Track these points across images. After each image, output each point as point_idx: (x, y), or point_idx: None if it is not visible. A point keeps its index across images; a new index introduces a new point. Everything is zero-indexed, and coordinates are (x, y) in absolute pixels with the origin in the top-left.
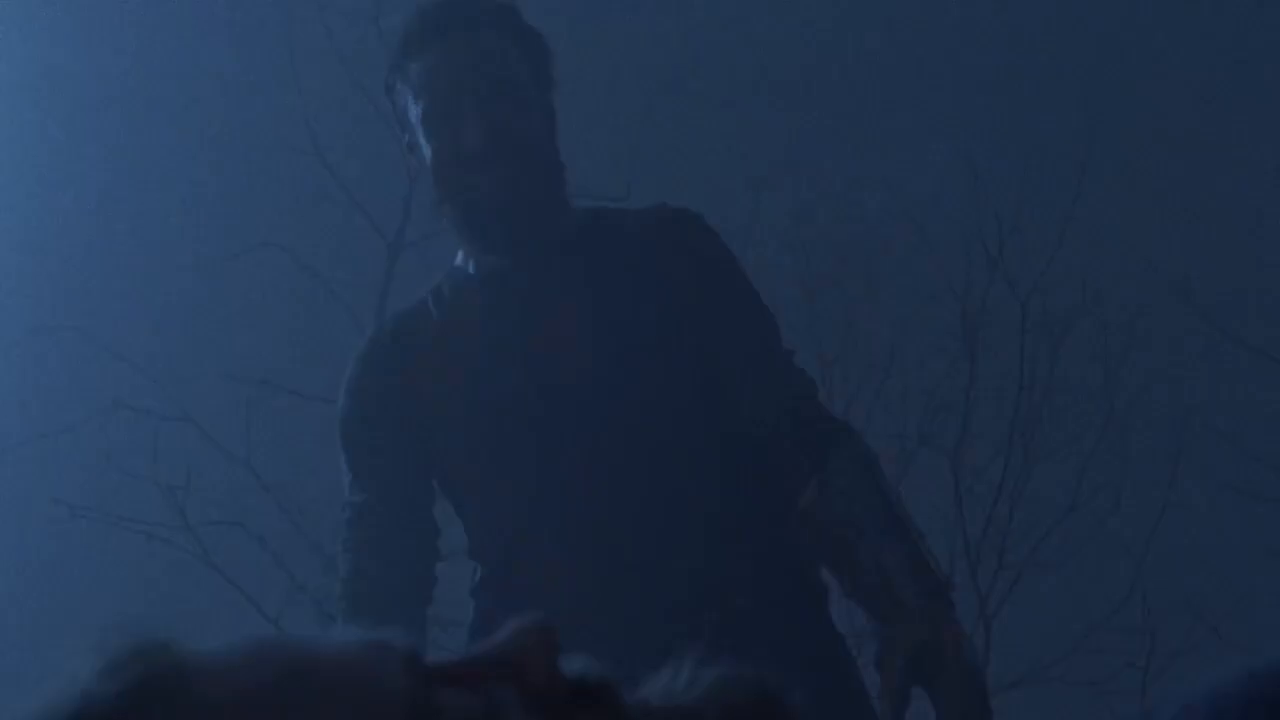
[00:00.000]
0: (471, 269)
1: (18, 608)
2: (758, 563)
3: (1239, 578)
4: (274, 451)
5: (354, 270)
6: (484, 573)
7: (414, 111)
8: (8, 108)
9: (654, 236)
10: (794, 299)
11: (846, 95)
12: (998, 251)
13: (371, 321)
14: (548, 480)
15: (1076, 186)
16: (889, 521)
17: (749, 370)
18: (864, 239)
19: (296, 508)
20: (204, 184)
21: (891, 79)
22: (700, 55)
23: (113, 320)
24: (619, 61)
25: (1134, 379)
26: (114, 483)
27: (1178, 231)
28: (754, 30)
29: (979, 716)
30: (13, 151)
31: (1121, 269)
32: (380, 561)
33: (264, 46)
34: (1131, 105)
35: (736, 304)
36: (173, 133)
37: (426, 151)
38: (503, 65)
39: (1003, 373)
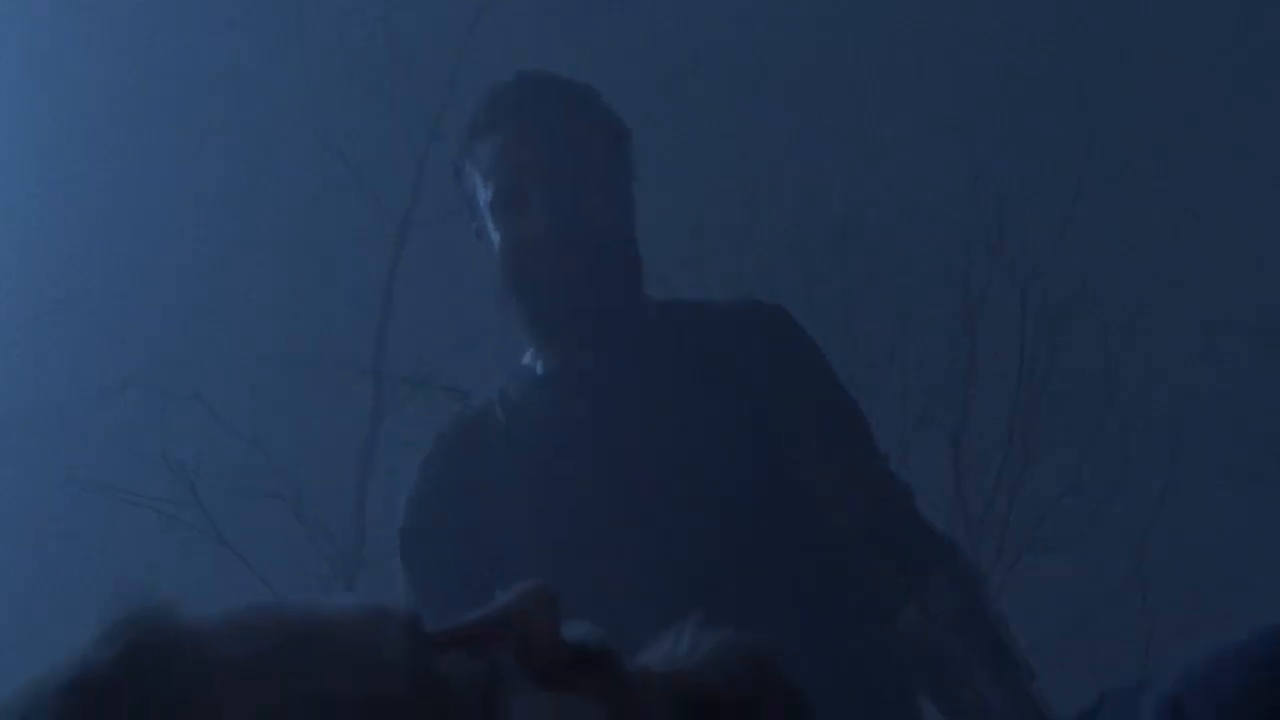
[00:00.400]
0: (539, 369)
1: (28, 584)
2: (842, 680)
3: (1238, 560)
4: (282, 430)
5: (362, 252)
6: None
7: (482, 196)
8: (15, 89)
9: (735, 332)
10: (794, 288)
11: (847, 88)
12: (998, 239)
13: (379, 304)
14: (617, 588)
15: (1077, 175)
16: (996, 657)
17: (834, 477)
18: (864, 229)
19: (304, 486)
20: (213, 165)
21: (892, 71)
22: (701, 49)
23: (122, 300)
24: (619, 61)
25: (1134, 364)
26: (124, 461)
27: (1177, 220)
28: (754, 25)
29: None
30: (21, 133)
31: (1122, 255)
32: None
33: (272, 30)
34: (1132, 95)
35: (822, 407)
36: (182, 115)
37: (494, 239)
38: (577, 149)
39: (1003, 361)
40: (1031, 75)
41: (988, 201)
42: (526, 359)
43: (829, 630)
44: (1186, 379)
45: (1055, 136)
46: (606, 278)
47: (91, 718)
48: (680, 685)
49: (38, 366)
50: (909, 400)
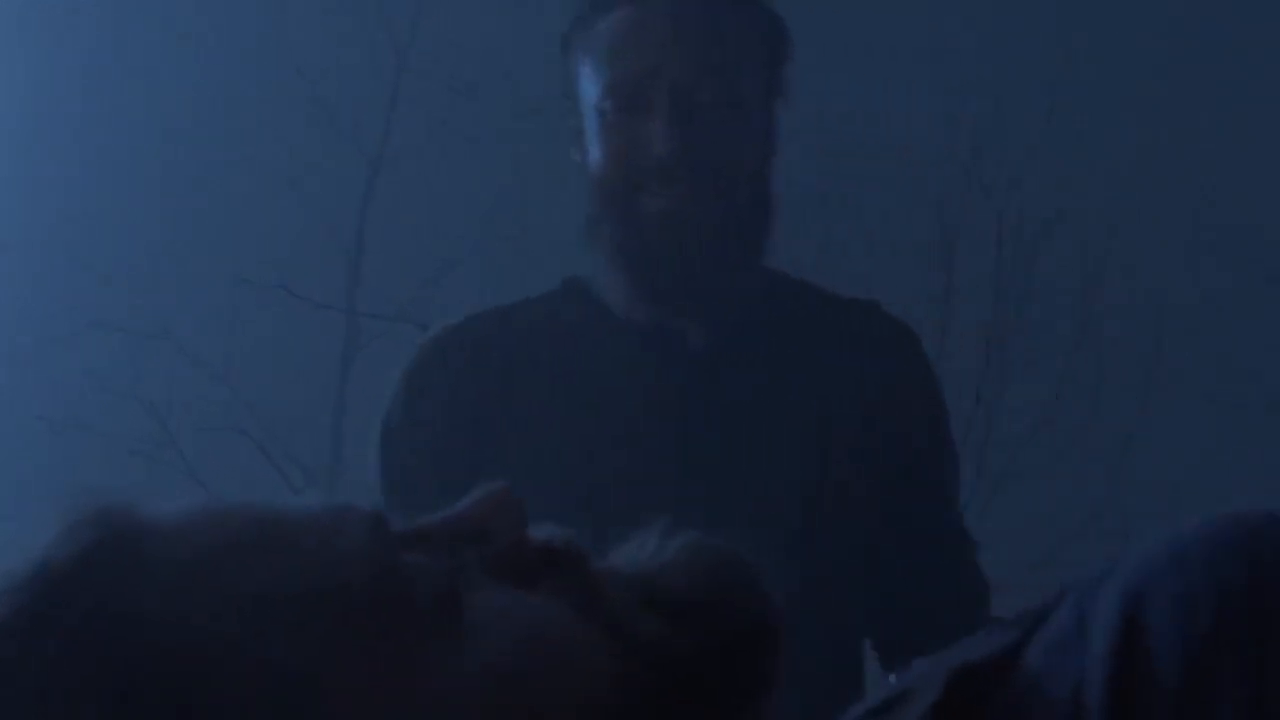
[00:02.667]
0: (618, 311)
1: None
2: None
3: (1218, 485)
4: (253, 367)
5: (333, 186)
6: None
7: (589, 89)
8: None
9: (858, 342)
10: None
11: (820, 16)
12: (972, 160)
13: (353, 240)
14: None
15: (1051, 95)
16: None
17: (910, 525)
18: (842, 151)
19: (276, 422)
20: (181, 98)
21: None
22: None
23: (89, 238)
24: None
25: (1113, 287)
26: (95, 400)
27: (1158, 140)
28: None
29: None
30: None
31: (1100, 176)
32: None
33: None
34: (1107, 11)
35: (928, 449)
36: (151, 49)
37: (593, 147)
38: (728, 48)
39: (981, 283)
40: None
41: (966, 123)
42: (596, 287)
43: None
44: (1164, 300)
45: (1031, 44)
46: (735, 222)
47: (51, 614)
48: (646, 585)
49: (6, 308)
50: None
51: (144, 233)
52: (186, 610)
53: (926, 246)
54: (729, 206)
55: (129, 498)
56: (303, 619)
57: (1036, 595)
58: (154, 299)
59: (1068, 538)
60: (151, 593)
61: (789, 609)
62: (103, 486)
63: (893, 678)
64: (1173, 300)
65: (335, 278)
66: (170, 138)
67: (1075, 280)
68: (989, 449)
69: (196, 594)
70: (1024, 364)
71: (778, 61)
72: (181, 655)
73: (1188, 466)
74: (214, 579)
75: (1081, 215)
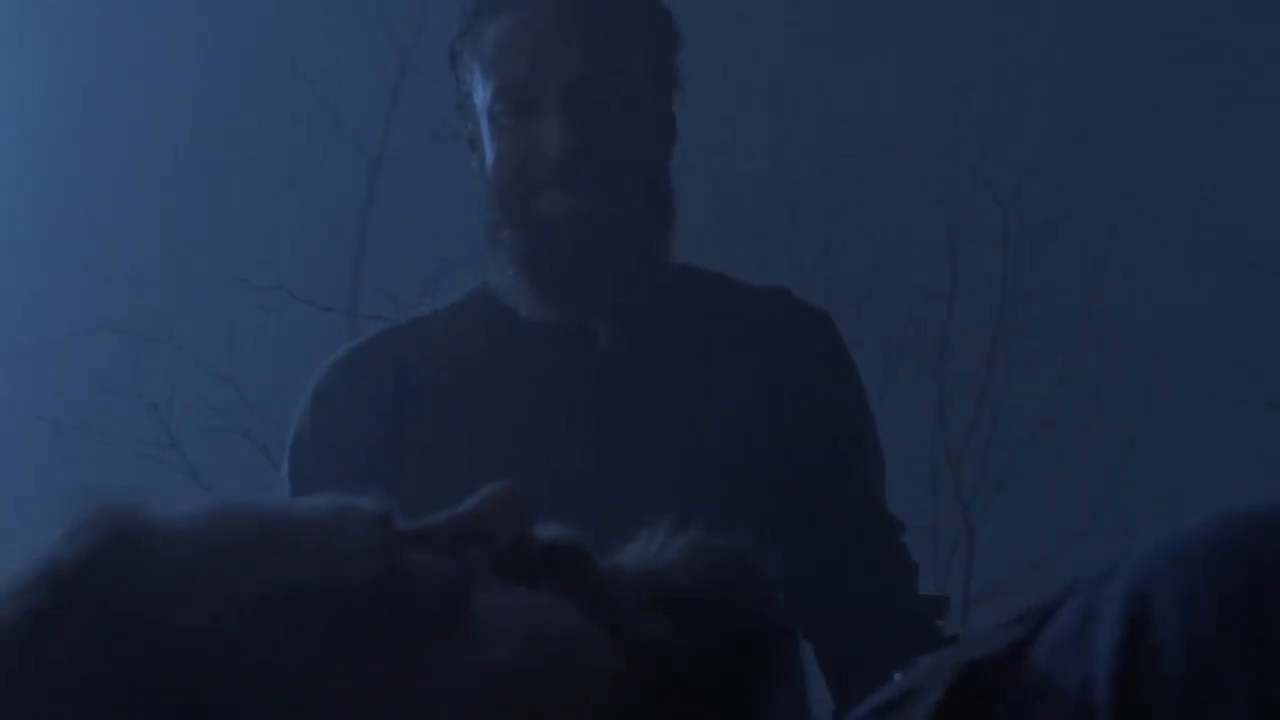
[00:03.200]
0: (523, 312)
1: (1, 525)
2: None
3: (1218, 483)
4: (256, 368)
5: (335, 186)
6: None
7: (480, 94)
8: None
9: (770, 331)
10: (776, 212)
11: (829, 14)
12: (979, 160)
13: (354, 240)
14: None
15: (1057, 95)
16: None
17: (827, 510)
18: (845, 151)
19: (281, 422)
20: (183, 101)
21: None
22: None
23: (94, 241)
24: None
25: (1115, 286)
26: (99, 401)
27: (1160, 140)
28: None
29: None
30: None
31: (1102, 177)
32: None
33: None
34: (1112, 12)
35: (840, 437)
36: (153, 52)
37: (488, 152)
38: (615, 44)
39: (983, 288)
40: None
41: (969, 124)
42: (501, 292)
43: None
44: (1167, 299)
45: (1037, 47)
46: (634, 220)
47: (57, 614)
48: (650, 583)
49: (11, 310)
50: (890, 328)
51: (146, 235)
52: (191, 610)
53: (930, 246)
54: (629, 202)
55: (133, 498)
56: (306, 619)
57: (1037, 595)
58: (156, 301)
59: (1069, 537)
60: (156, 593)
61: None
62: (107, 487)
63: (898, 675)
64: (1174, 300)
65: (337, 279)
66: (172, 140)
67: (1077, 280)
68: (991, 449)
69: (200, 594)
70: (1026, 364)
71: (668, 52)
72: (186, 655)
73: (1189, 466)
74: (218, 579)
75: (1084, 216)
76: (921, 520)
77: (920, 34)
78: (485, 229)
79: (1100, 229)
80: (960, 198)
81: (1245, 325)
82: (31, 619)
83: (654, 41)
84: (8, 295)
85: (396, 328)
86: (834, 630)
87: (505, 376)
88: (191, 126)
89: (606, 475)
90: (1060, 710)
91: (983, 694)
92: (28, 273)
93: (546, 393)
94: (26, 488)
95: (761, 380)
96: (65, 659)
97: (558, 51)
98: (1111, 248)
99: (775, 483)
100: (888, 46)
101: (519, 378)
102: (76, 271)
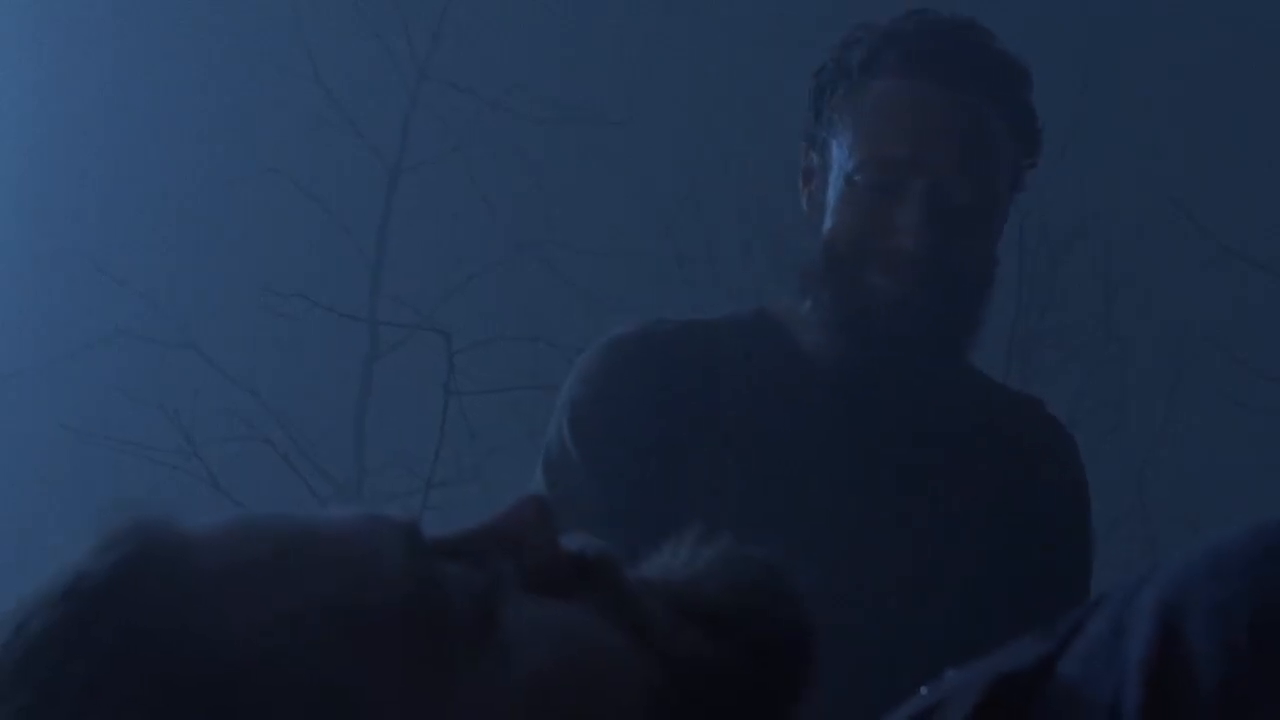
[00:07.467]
0: (818, 357)
1: (23, 537)
2: None
3: (1240, 492)
4: (278, 376)
5: (354, 195)
6: None
7: (843, 154)
8: (6, 32)
9: (1027, 443)
10: (790, 227)
11: (841, 21)
12: None
13: (374, 248)
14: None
15: (1075, 103)
16: None
17: (1044, 600)
18: None
19: (302, 429)
20: (205, 110)
21: (886, 3)
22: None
23: (114, 249)
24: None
25: (1134, 295)
26: (120, 410)
27: (1179, 147)
28: None
29: None
30: (13, 77)
31: (1122, 185)
32: None
33: None
34: (1130, 23)
35: (1066, 557)
36: (172, 60)
37: (831, 208)
38: (987, 152)
39: (1002, 296)
40: (1027, 7)
41: None
42: (790, 326)
43: None
44: (1187, 308)
45: (1054, 54)
46: (956, 324)
47: (87, 627)
48: (681, 594)
49: (32, 317)
50: None
51: (166, 243)
52: (223, 624)
53: None
54: (956, 303)
55: (163, 511)
56: (339, 633)
57: None
58: (177, 309)
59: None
60: (188, 607)
61: (910, 658)
62: (137, 499)
63: (925, 689)
64: (1196, 306)
65: (357, 287)
66: (192, 148)
67: (1098, 286)
68: None
69: (233, 608)
70: (1048, 371)
71: (1025, 157)
72: (218, 670)
73: (1210, 475)
74: (250, 593)
75: (1105, 222)
76: None
77: None
78: (803, 273)
79: (1122, 236)
80: None
81: (1266, 334)
82: (62, 631)
83: (1018, 142)
84: (27, 303)
85: (674, 324)
86: None
87: (785, 406)
88: (211, 135)
89: (864, 519)
90: None
91: (1012, 708)
92: (48, 281)
93: (824, 433)
94: (48, 496)
95: (1013, 488)
96: (95, 672)
97: (938, 146)
98: (1133, 254)
99: (1009, 586)
100: None
101: (798, 412)
102: (96, 279)
